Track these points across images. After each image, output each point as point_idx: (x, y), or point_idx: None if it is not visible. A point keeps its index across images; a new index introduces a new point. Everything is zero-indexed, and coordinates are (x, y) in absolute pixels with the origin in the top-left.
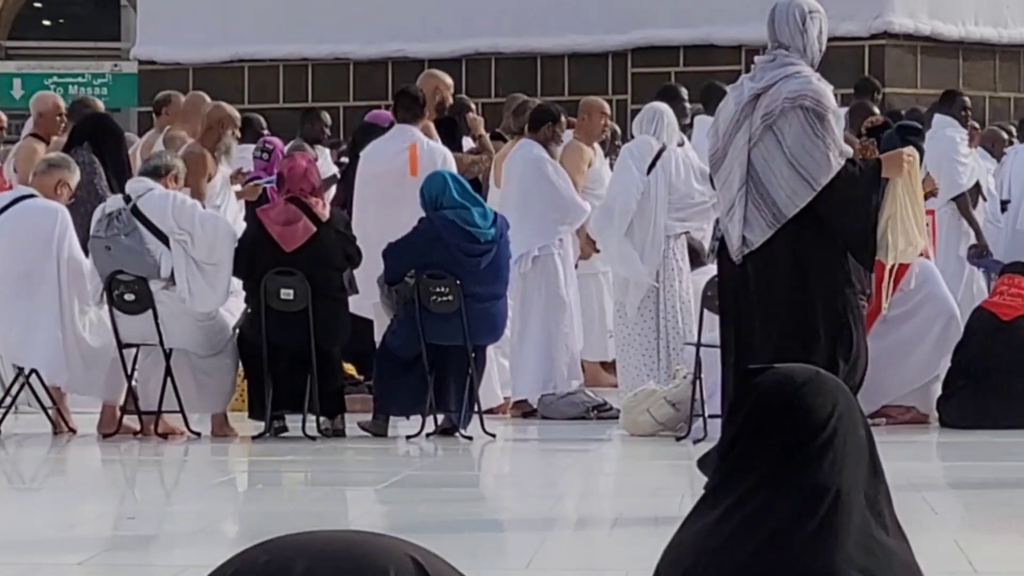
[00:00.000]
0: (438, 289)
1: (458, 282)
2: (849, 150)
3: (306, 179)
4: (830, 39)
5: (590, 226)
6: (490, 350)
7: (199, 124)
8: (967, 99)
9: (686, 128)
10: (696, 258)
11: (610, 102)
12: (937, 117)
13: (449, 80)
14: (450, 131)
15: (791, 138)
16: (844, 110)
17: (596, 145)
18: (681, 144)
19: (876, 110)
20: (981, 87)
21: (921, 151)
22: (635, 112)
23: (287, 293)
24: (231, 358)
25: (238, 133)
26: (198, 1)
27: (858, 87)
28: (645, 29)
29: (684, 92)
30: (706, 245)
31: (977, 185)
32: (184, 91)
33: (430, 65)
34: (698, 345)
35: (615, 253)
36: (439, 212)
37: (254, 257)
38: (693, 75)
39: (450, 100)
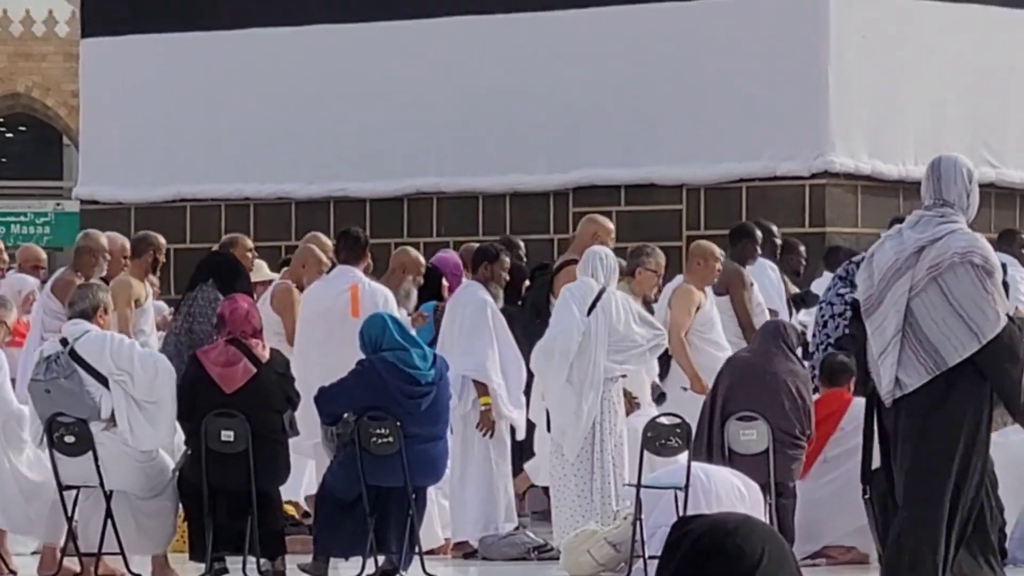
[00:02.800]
0: (378, 430)
1: (398, 423)
2: (1011, 307)
3: (248, 322)
4: (770, 179)
5: (532, 367)
6: (431, 491)
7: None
8: None
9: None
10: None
11: (550, 242)
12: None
13: (610, 225)
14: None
15: (959, 291)
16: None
17: (708, 289)
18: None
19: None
20: None
21: None
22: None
23: (227, 435)
24: (171, 500)
25: (420, 279)
26: (140, 140)
27: (1000, 237)
28: (587, 168)
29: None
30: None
31: None
32: (126, 231)
33: (372, 204)
34: (638, 486)
35: (556, 396)
36: (379, 354)
37: (194, 399)
38: (634, 214)
39: (611, 245)
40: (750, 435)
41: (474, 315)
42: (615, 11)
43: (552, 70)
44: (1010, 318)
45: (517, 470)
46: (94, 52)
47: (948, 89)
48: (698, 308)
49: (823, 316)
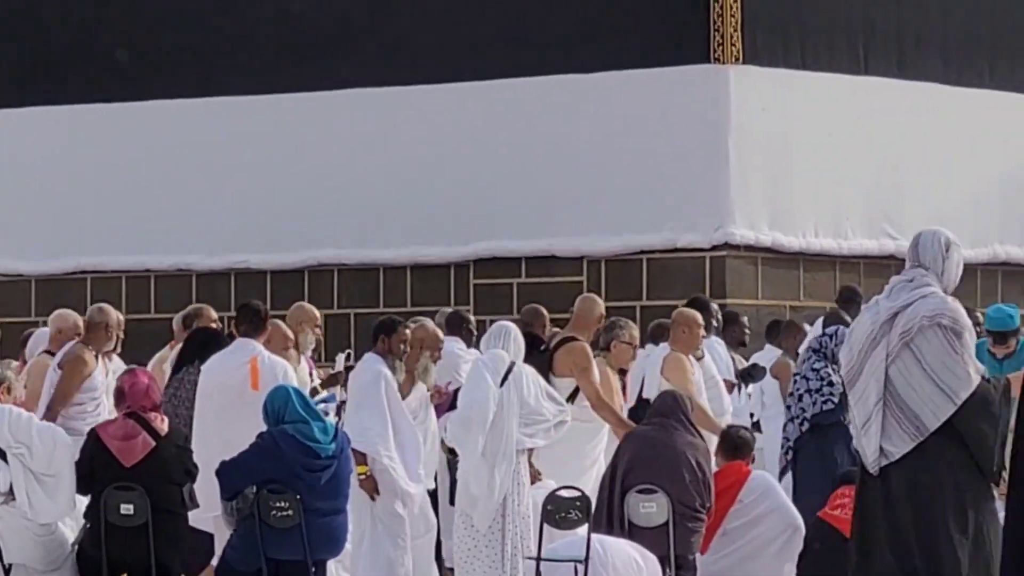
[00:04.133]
0: (278, 504)
1: (298, 497)
2: (982, 368)
3: (147, 396)
4: (671, 250)
5: (448, 437)
6: (331, 564)
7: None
8: None
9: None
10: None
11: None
12: None
13: (602, 308)
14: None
15: (930, 355)
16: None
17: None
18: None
19: (849, 319)
20: (821, 298)
21: None
22: (478, 323)
23: (127, 508)
24: (70, 573)
25: (439, 355)
26: (40, 212)
27: (840, 295)
28: (487, 240)
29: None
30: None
31: None
32: (27, 303)
33: (273, 276)
34: (538, 559)
35: (473, 465)
36: (280, 427)
37: (93, 472)
38: (535, 286)
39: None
40: (650, 508)
41: (366, 386)
42: (515, 83)
43: (453, 142)
44: (984, 378)
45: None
46: None
47: (848, 161)
48: (691, 374)
49: (798, 390)
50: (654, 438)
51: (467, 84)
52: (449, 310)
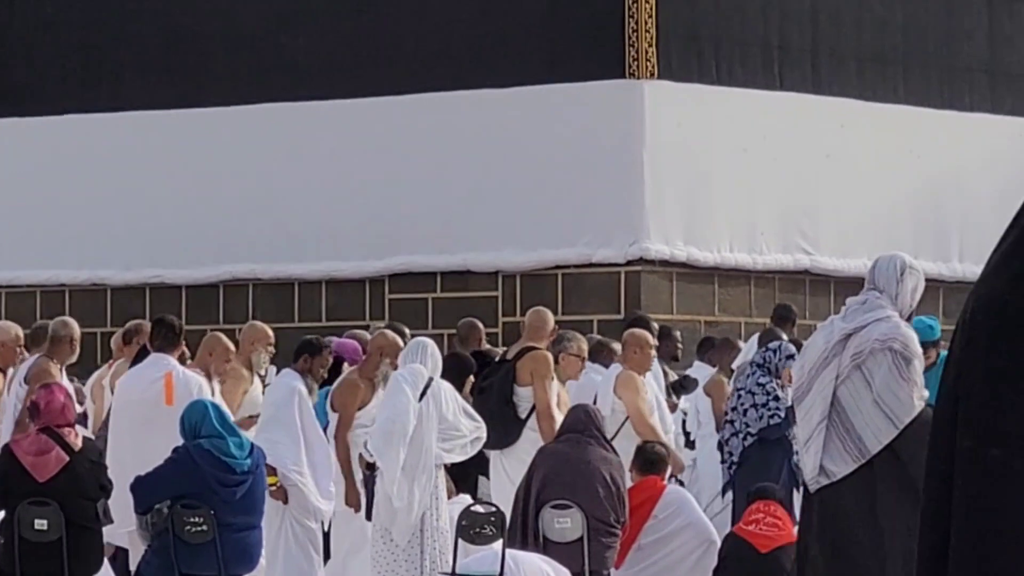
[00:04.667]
0: (192, 519)
1: (212, 512)
2: (926, 394)
3: (63, 415)
4: (586, 265)
5: (368, 450)
6: None
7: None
8: None
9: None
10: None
11: (366, 328)
12: None
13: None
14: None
15: (879, 378)
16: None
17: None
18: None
19: (784, 336)
20: (736, 313)
21: None
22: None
23: (41, 523)
24: None
25: (397, 362)
26: None
27: (775, 313)
28: (402, 255)
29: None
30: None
31: None
32: None
33: (188, 291)
34: (452, 574)
35: (395, 478)
36: (196, 441)
37: (7, 488)
38: (450, 301)
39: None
40: (564, 523)
41: (280, 402)
42: (431, 98)
43: (368, 157)
44: (928, 404)
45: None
46: None
47: (763, 176)
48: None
49: (743, 404)
50: (568, 453)
51: (382, 99)
52: (383, 324)
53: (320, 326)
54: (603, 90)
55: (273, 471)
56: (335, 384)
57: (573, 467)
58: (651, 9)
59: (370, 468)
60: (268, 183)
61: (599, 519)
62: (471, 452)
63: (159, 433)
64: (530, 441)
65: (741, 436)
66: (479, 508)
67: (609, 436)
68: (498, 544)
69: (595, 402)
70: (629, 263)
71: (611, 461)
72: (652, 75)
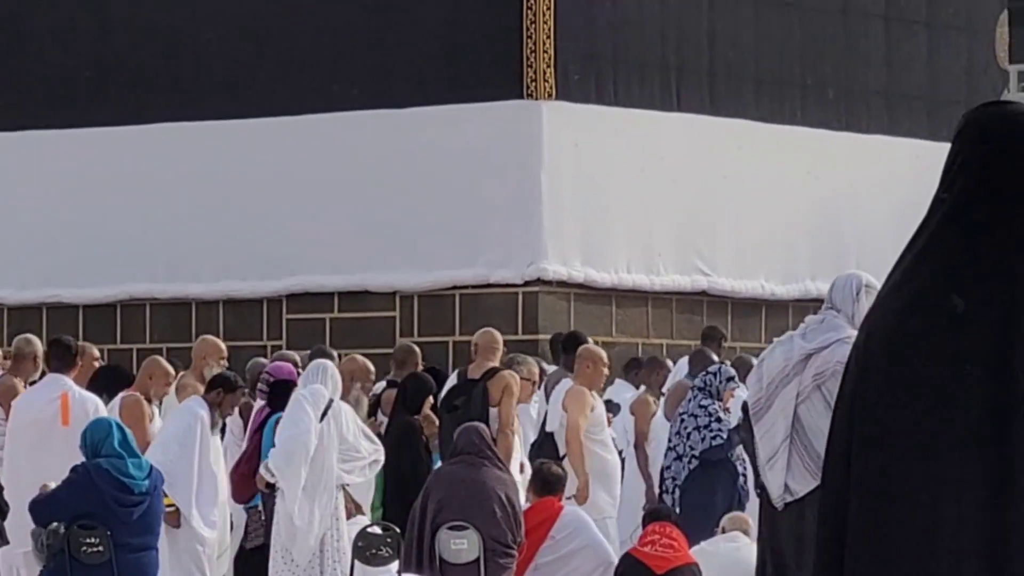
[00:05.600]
0: (88, 539)
1: (108, 532)
2: None
3: None
4: (484, 285)
5: (270, 466)
6: None
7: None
8: None
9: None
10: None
11: (264, 348)
12: None
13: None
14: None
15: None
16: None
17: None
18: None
19: (715, 357)
20: (634, 334)
21: None
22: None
23: None
24: None
25: (370, 386)
26: None
27: (704, 334)
28: (300, 275)
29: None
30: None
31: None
32: None
33: (85, 310)
34: None
35: (296, 497)
36: (95, 461)
37: None
38: (348, 321)
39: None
40: (461, 544)
41: (181, 426)
42: (329, 118)
43: (266, 176)
44: None
45: None
46: None
47: (660, 197)
48: (592, 409)
49: (686, 428)
50: (462, 475)
51: (281, 119)
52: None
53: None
54: (501, 111)
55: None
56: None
57: (468, 488)
58: (549, 30)
59: (269, 487)
60: (166, 202)
61: (495, 540)
62: (369, 475)
63: (55, 454)
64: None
65: (686, 460)
66: (375, 529)
67: (561, 453)
68: (395, 565)
69: (544, 417)
70: (527, 284)
71: (506, 481)
72: (550, 96)
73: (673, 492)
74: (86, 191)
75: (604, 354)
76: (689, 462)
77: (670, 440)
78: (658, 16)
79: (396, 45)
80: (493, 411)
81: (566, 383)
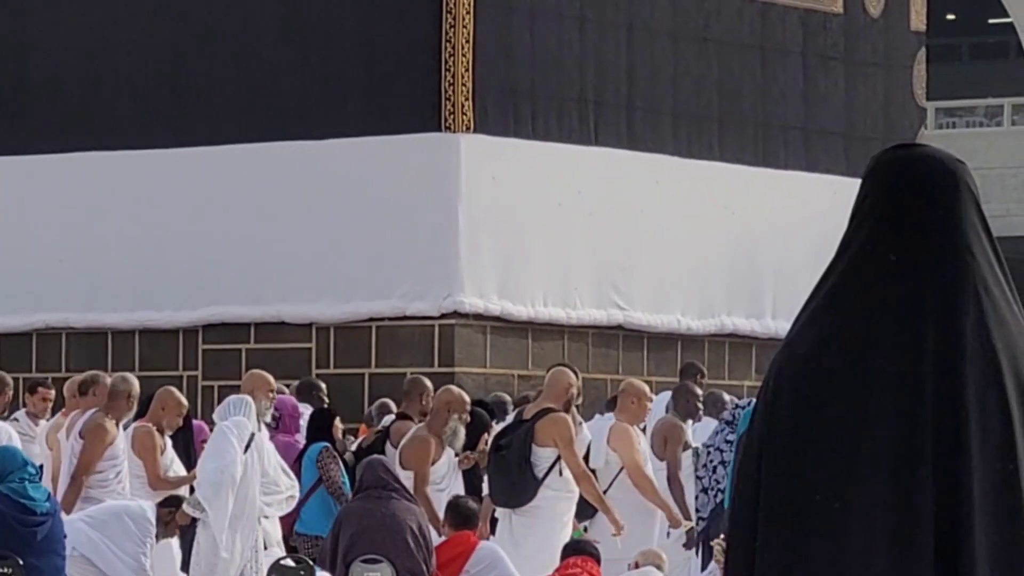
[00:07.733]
0: (2, 570)
1: (21, 563)
2: None
3: None
4: (400, 318)
5: (199, 497)
6: None
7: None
8: None
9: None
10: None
11: (180, 379)
12: None
13: (573, 378)
14: None
15: None
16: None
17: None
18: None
19: (698, 391)
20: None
21: None
22: (206, 388)
23: None
24: None
25: (467, 417)
26: None
27: (683, 370)
28: (216, 306)
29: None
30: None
31: None
32: None
33: (1, 339)
34: None
35: (223, 527)
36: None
37: None
38: (264, 352)
39: (578, 398)
40: None
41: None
42: (246, 149)
43: (184, 207)
44: None
45: None
46: None
47: (577, 231)
48: (639, 443)
49: (712, 461)
50: (372, 509)
51: (198, 149)
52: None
53: (135, 376)
54: (419, 143)
55: None
56: (404, 442)
57: (380, 522)
58: (468, 63)
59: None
60: (83, 231)
61: (409, 571)
62: (286, 509)
63: None
64: (546, 500)
65: (712, 493)
66: (288, 562)
67: (603, 488)
68: None
69: (587, 453)
70: (443, 316)
71: (415, 512)
72: (468, 128)
73: (697, 523)
74: (2, 220)
75: (647, 389)
76: (716, 495)
77: (697, 472)
78: (576, 50)
79: (314, 76)
80: (540, 451)
81: (608, 419)
